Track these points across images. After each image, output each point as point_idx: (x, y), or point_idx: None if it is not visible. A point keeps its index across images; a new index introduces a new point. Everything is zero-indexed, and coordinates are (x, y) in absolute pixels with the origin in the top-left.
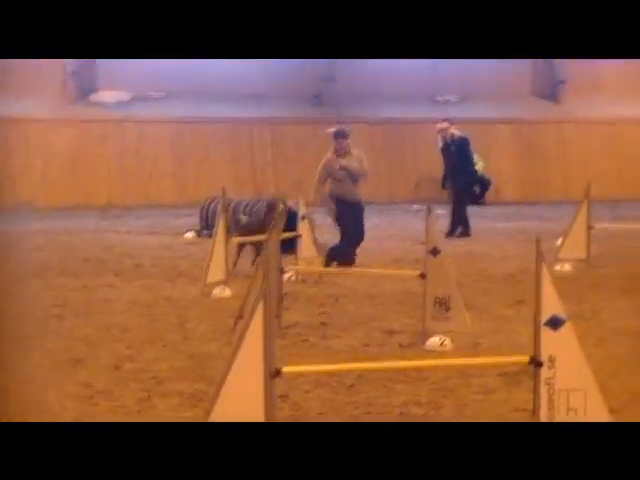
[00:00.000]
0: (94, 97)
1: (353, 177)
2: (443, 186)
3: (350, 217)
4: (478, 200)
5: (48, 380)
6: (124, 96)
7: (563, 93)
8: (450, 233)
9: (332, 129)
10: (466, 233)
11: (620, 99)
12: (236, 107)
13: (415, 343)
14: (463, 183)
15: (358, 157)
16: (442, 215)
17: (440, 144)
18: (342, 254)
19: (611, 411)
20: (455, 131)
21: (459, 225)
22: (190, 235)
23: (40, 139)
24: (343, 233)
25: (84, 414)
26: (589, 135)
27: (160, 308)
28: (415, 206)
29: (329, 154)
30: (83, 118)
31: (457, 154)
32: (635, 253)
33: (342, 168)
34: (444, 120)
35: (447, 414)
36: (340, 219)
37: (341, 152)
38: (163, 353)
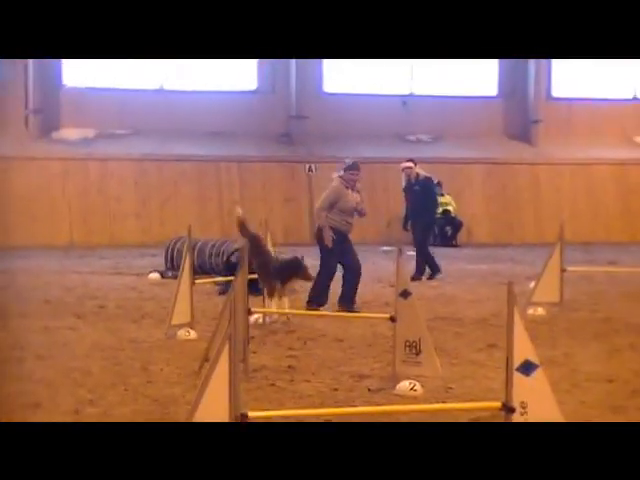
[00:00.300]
0: (57, 134)
1: (356, 212)
2: (404, 227)
3: (337, 250)
4: (450, 241)
5: None
6: (88, 133)
7: (536, 134)
8: (415, 277)
9: (347, 161)
10: (437, 271)
11: (593, 140)
12: (203, 145)
13: (385, 388)
14: (426, 224)
15: (359, 192)
16: (413, 257)
17: (404, 183)
18: (317, 298)
19: None
20: (420, 171)
21: (424, 267)
22: (154, 276)
23: (1, 176)
24: (323, 266)
25: None
26: (562, 177)
27: (123, 351)
28: (384, 247)
29: (336, 183)
30: (45, 155)
31: (421, 194)
32: (609, 296)
33: (357, 205)
34: (408, 160)
35: None
36: (328, 250)
37: (353, 185)
38: (126, 397)
